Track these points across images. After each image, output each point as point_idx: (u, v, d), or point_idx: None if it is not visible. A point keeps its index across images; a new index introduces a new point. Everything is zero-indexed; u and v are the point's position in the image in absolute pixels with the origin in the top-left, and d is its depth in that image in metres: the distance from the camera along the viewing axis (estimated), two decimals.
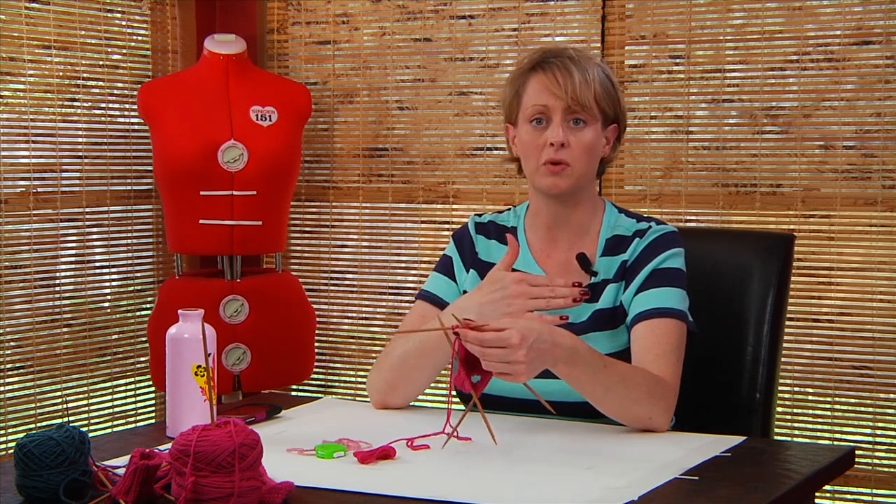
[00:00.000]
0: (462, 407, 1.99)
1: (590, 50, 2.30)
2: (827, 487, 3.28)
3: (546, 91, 2.19)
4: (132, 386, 4.04)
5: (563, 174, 2.18)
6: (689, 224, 3.63)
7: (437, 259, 2.38)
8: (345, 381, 4.19)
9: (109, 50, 3.93)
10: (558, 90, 2.17)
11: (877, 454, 3.43)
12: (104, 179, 3.92)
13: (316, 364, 4.05)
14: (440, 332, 1.98)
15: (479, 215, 2.36)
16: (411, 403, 2.27)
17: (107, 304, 3.98)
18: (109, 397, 3.97)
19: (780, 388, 2.45)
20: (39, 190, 3.73)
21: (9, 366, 3.65)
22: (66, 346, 3.81)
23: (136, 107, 3.90)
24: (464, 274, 2.31)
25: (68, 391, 3.82)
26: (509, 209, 2.37)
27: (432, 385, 2.26)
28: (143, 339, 4.01)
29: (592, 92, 2.18)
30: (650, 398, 2.04)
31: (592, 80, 2.19)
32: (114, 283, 3.99)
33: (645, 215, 2.29)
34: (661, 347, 2.11)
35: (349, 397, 4.13)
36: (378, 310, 4.11)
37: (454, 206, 3.97)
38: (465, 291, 2.29)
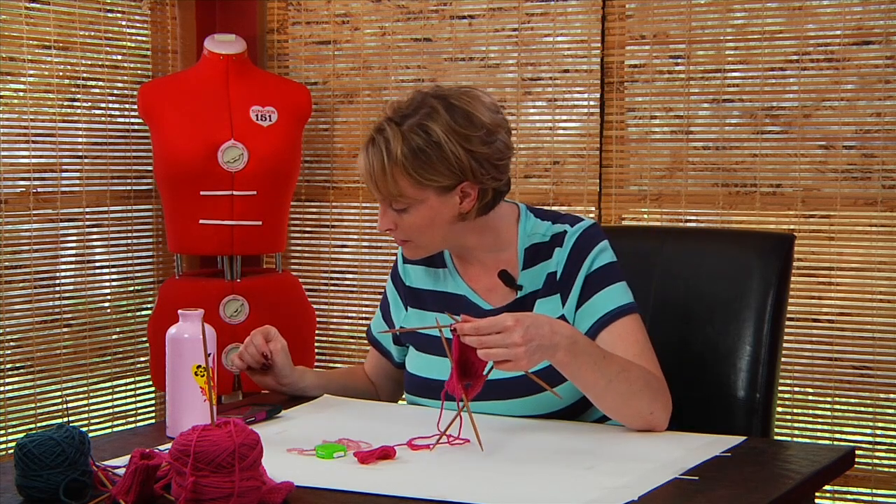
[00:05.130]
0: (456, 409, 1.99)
1: (443, 93, 2.11)
2: (827, 487, 3.28)
3: (364, 178, 2.13)
4: (132, 386, 4.04)
5: (409, 247, 2.16)
6: (689, 224, 3.63)
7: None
8: None
9: (109, 50, 3.93)
10: (369, 182, 2.10)
11: (877, 454, 3.43)
12: (104, 179, 3.92)
13: (316, 364, 4.05)
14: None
15: None
16: (409, 402, 2.28)
17: (107, 304, 3.98)
18: (109, 397, 3.97)
19: (780, 388, 2.45)
20: (39, 190, 3.73)
21: (9, 366, 3.65)
22: (66, 346, 3.81)
23: (136, 107, 3.90)
24: (402, 313, 2.32)
25: (68, 391, 3.82)
26: None
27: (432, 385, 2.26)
28: (143, 339, 4.01)
29: (403, 179, 2.05)
30: (650, 391, 2.03)
31: (401, 167, 2.04)
32: (114, 283, 3.99)
33: (559, 213, 2.23)
34: (636, 347, 2.09)
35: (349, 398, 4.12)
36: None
37: None
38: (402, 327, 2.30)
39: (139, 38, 4.05)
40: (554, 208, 2.32)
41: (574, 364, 1.97)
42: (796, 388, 3.50)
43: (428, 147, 2.05)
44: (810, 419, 3.51)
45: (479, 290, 2.21)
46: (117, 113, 3.96)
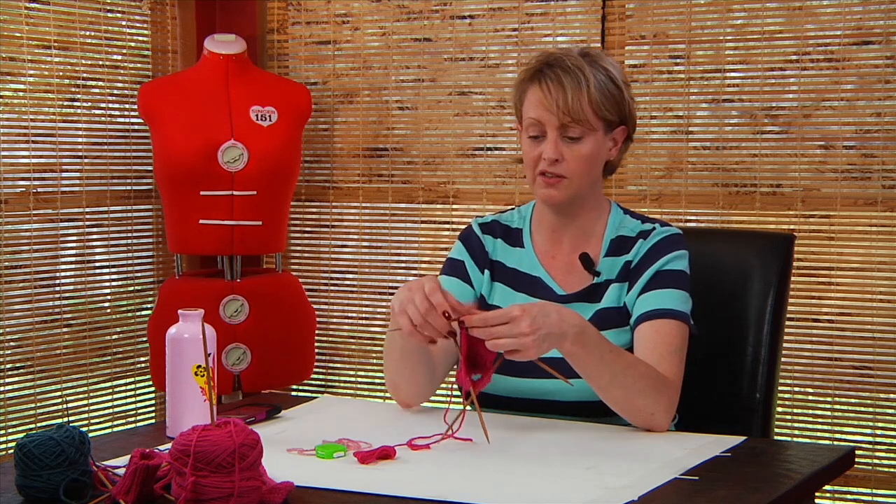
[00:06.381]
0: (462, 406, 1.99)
1: (594, 49, 2.30)
2: (827, 487, 3.28)
3: (540, 105, 2.17)
4: (132, 386, 4.04)
5: (558, 186, 2.19)
6: (689, 224, 3.63)
7: (441, 262, 2.38)
8: (344, 381, 4.19)
9: (109, 50, 3.93)
10: (551, 106, 2.16)
11: (877, 454, 3.43)
12: (104, 179, 3.91)
13: (316, 364, 4.05)
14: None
15: (480, 216, 2.37)
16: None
17: (107, 304, 3.98)
18: (109, 397, 3.97)
19: (780, 388, 2.45)
20: (39, 190, 3.73)
21: (9, 366, 3.65)
22: (66, 346, 3.81)
23: (136, 107, 3.90)
24: (479, 275, 2.31)
25: (68, 391, 3.82)
26: (512, 209, 2.36)
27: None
28: (143, 339, 4.01)
29: (588, 103, 2.16)
30: (654, 392, 2.04)
31: (588, 90, 2.15)
32: (114, 283, 3.99)
33: (651, 217, 2.29)
34: (665, 347, 2.11)
35: (349, 397, 4.13)
36: (378, 310, 4.11)
37: (454, 206, 3.97)
38: (482, 294, 2.29)
39: (139, 38, 4.05)
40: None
41: (582, 354, 2.00)
42: (796, 388, 3.50)
43: (609, 81, 2.19)
44: (810, 419, 3.51)
45: (556, 274, 2.25)
46: (117, 113, 3.96)
